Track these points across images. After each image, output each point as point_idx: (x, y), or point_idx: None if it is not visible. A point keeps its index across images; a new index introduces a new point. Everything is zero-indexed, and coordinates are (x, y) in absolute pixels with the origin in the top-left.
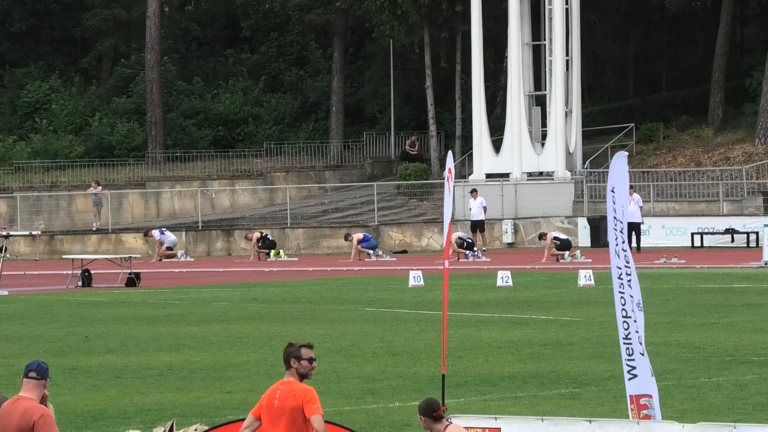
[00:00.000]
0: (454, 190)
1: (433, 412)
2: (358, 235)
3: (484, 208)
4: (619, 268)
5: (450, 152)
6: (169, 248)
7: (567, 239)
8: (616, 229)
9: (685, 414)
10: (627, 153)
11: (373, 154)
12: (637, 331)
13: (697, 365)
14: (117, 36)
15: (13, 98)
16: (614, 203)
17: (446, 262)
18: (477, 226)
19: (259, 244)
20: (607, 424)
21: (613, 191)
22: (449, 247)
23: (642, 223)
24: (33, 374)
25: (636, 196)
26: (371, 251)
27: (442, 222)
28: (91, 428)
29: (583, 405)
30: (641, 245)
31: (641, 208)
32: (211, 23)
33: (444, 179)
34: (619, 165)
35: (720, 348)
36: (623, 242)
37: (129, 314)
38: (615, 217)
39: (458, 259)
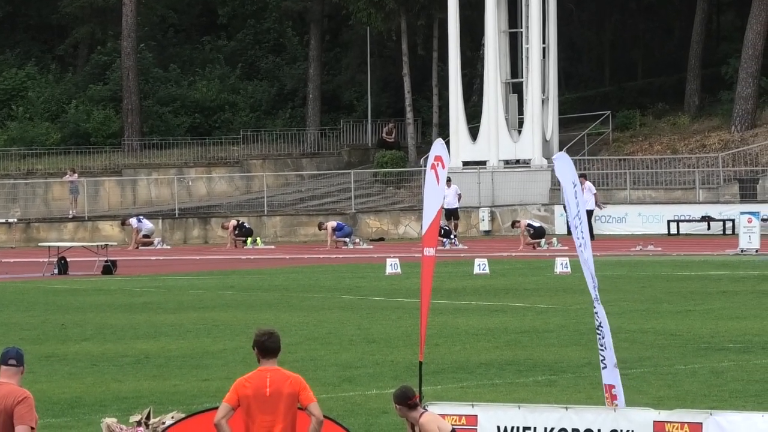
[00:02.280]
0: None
1: (407, 400)
2: (332, 223)
3: (459, 196)
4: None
5: (440, 140)
6: (146, 236)
7: (541, 227)
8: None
9: (662, 401)
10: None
11: (350, 142)
12: (600, 325)
13: (673, 352)
14: (93, 23)
15: None
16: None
17: (432, 250)
18: (451, 213)
19: (236, 232)
20: (583, 411)
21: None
22: (435, 234)
23: (594, 210)
24: (12, 362)
25: (588, 183)
26: (347, 239)
27: (420, 209)
28: (67, 416)
29: (560, 392)
30: (594, 232)
31: (595, 195)
32: (188, 10)
33: (421, 166)
34: (562, 164)
35: (696, 335)
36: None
37: (105, 302)
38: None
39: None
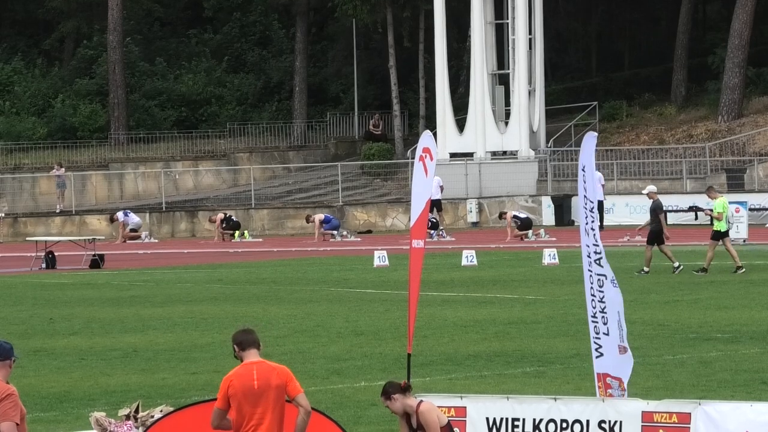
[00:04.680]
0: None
1: (399, 386)
2: (319, 216)
3: (441, 188)
4: (588, 247)
5: (428, 131)
6: (133, 230)
7: (527, 218)
8: (586, 208)
9: (650, 391)
10: (596, 133)
11: (336, 134)
12: (603, 311)
13: (661, 342)
14: (79, 17)
15: None
16: (584, 182)
17: (422, 242)
18: (434, 205)
19: (223, 225)
20: (572, 402)
21: (583, 170)
22: (424, 226)
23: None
24: None
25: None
26: (335, 231)
27: (407, 202)
28: (56, 410)
29: (548, 383)
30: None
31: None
32: (174, 3)
33: (408, 158)
34: (588, 145)
35: (684, 325)
36: (593, 221)
37: (93, 296)
38: (585, 196)
39: None
